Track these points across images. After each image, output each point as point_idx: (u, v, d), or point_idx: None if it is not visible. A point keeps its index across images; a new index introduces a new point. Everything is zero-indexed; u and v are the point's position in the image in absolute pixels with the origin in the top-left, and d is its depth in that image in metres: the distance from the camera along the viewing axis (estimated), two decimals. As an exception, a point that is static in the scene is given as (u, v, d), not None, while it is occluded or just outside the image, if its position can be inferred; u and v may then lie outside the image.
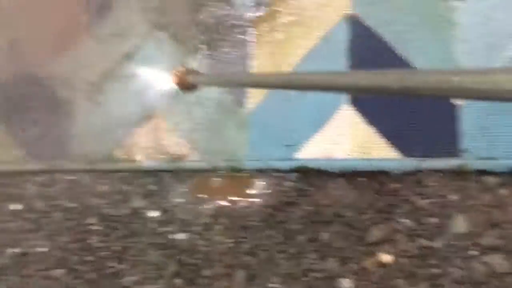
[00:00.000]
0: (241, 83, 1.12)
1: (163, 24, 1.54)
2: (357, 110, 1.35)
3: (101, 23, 1.59)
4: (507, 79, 0.41)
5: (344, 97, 1.36)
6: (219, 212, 1.42)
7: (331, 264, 1.31)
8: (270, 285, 1.34)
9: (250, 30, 1.47)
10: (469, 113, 1.26)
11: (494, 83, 0.42)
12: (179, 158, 1.45)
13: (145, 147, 1.49)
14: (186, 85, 1.25)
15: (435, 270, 1.23)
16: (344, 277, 1.30)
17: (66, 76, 1.60)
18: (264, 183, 1.40)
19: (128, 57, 1.54)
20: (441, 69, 0.49)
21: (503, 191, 1.23)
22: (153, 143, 1.48)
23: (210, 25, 1.50)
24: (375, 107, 1.33)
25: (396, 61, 1.33)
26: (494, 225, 1.22)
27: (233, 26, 1.49)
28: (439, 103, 1.28)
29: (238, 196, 1.42)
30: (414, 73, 0.54)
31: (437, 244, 1.24)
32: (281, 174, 1.39)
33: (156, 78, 1.51)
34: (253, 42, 1.46)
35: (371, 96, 1.35)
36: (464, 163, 1.24)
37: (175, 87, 1.30)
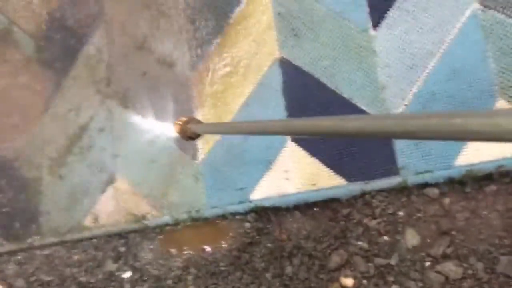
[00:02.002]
0: (241, 130, 1.10)
1: (111, 93, 1.55)
2: (300, 145, 1.36)
3: (56, 101, 1.61)
4: (509, 121, 0.40)
5: (288, 136, 1.37)
6: (188, 263, 1.40)
7: (299, 295, 1.30)
8: (246, 325, 1.32)
9: (192, 86, 1.49)
10: (401, 132, 1.27)
11: (497, 126, 0.41)
12: (143, 217, 1.45)
13: (110, 212, 1.48)
14: (187, 134, 1.25)
15: (394, 287, 1.22)
16: (313, 306, 1.28)
17: (29, 156, 1.60)
18: (226, 228, 1.40)
19: (84, 128, 1.55)
20: (441, 112, 0.47)
21: (445, 200, 1.23)
22: (117, 207, 1.48)
23: (154, 87, 1.52)
24: (315, 140, 1.34)
25: (327, 94, 1.35)
26: (443, 233, 1.22)
27: (176, 85, 1.51)
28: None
29: (203, 245, 1.41)
30: (414, 117, 0.52)
31: (393, 261, 1.23)
32: (240, 217, 1.38)
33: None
34: (196, 97, 1.48)
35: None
36: (404, 180, 1.24)
37: (177, 136, 1.28)
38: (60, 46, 1.66)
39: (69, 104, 1.60)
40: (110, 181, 1.50)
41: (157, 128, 1.50)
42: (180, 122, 1.24)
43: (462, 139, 0.46)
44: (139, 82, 1.54)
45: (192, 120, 1.26)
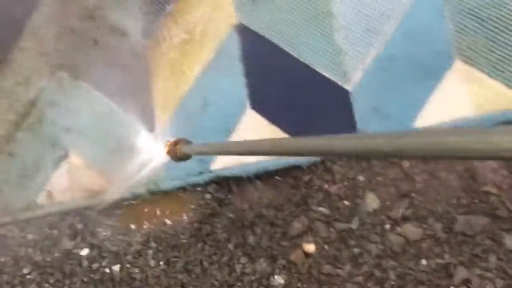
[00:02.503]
0: (234, 151, 1.09)
1: (62, 64, 1.48)
2: (259, 112, 1.33)
3: (3, 75, 1.52)
4: (503, 139, 0.39)
5: (246, 103, 1.34)
6: (148, 237, 1.36)
7: (262, 264, 1.28)
8: (209, 297, 1.30)
9: (147, 55, 1.43)
10: (360, 97, 1.25)
11: (490, 143, 0.40)
12: (99, 192, 1.40)
13: (65, 188, 1.42)
14: (178, 156, 1.23)
15: (356, 250, 1.22)
16: (275, 274, 1.27)
17: (-24, 133, 1.52)
18: (186, 200, 1.37)
19: (34, 103, 1.48)
20: (433, 130, 0.46)
21: (405, 163, 1.23)
22: (72, 183, 1.42)
23: (107, 57, 1.46)
24: (275, 107, 1.32)
25: (287, 60, 1.32)
26: (402, 196, 1.22)
27: (130, 54, 1.44)
28: (331, 93, 1.28)
29: (163, 218, 1.37)
30: (406, 135, 0.50)
31: (354, 225, 1.23)
32: (200, 188, 1.35)
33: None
34: (151, 66, 1.42)
35: (272, 98, 1.34)
36: (364, 144, 1.23)
37: (167, 157, 1.27)
38: (5, 15, 1.56)
39: (16, 77, 1.52)
40: (64, 156, 1.44)
41: (111, 99, 1.44)
42: (169, 143, 1.23)
43: (456, 158, 0.46)
44: (91, 52, 1.47)
45: (182, 141, 1.25)
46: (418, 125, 1.21)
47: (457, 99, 1.20)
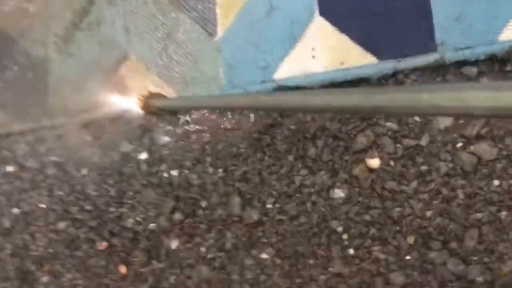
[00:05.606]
0: (208, 105, 1.10)
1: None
2: (328, 20, 1.29)
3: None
4: (475, 96, 0.41)
5: (315, 8, 1.30)
6: (207, 145, 1.39)
7: (322, 177, 1.30)
8: (267, 206, 1.33)
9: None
10: (441, 5, 1.19)
11: (463, 101, 0.42)
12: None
13: (124, 91, 1.45)
14: (151, 110, 1.23)
15: (423, 167, 1.21)
16: (336, 187, 1.29)
17: (34, 32, 1.53)
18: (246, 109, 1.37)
19: (91, 1, 1.47)
20: (409, 87, 0.49)
21: (483, 80, 1.19)
22: (131, 86, 1.44)
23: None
24: (345, 14, 1.27)
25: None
26: (477, 115, 1.18)
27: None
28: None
29: (223, 126, 1.39)
30: (382, 91, 0.53)
31: (423, 141, 1.21)
32: (262, 97, 1.35)
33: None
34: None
35: (343, 3, 1.29)
36: (441, 57, 1.19)
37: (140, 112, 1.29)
38: None
39: (73, -26, 1.50)
40: (123, 58, 1.45)
41: (171, 0, 1.41)
42: (142, 98, 1.23)
43: (430, 115, 0.48)
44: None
45: (156, 95, 1.24)
46: (503, 39, 1.15)
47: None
